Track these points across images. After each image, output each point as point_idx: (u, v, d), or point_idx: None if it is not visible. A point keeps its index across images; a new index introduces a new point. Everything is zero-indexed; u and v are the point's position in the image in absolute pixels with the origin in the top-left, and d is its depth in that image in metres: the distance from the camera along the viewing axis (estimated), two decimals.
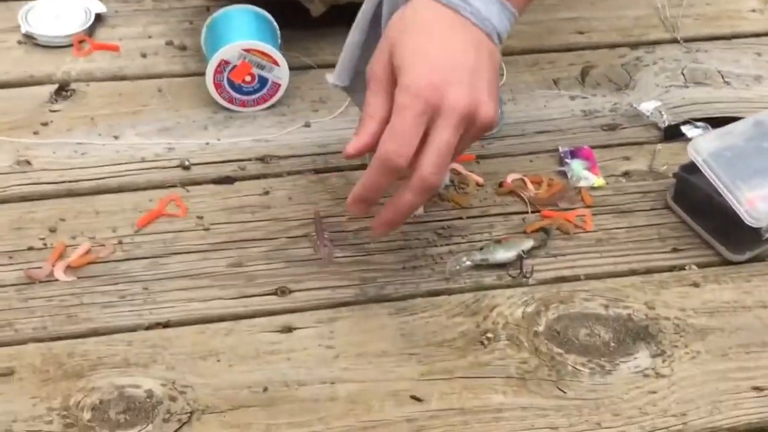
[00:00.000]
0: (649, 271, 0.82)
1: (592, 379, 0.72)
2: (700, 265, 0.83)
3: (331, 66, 0.85)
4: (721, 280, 0.82)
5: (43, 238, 0.81)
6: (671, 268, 0.83)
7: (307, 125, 0.95)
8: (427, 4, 0.72)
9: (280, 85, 0.96)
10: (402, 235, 0.84)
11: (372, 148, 0.71)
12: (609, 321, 0.77)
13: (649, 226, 0.87)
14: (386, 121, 0.70)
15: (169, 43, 1.05)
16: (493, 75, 0.73)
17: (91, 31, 1.05)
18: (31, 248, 0.80)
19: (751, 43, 1.11)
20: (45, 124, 0.93)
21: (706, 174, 0.83)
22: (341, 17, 1.03)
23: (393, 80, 0.71)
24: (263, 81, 0.95)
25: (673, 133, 0.96)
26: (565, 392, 0.71)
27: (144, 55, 1.03)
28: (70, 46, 1.03)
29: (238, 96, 0.95)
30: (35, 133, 0.92)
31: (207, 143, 0.92)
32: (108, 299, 0.76)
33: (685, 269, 0.83)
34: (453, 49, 0.71)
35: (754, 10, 1.16)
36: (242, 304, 0.77)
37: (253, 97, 0.96)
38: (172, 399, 0.68)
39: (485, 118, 0.71)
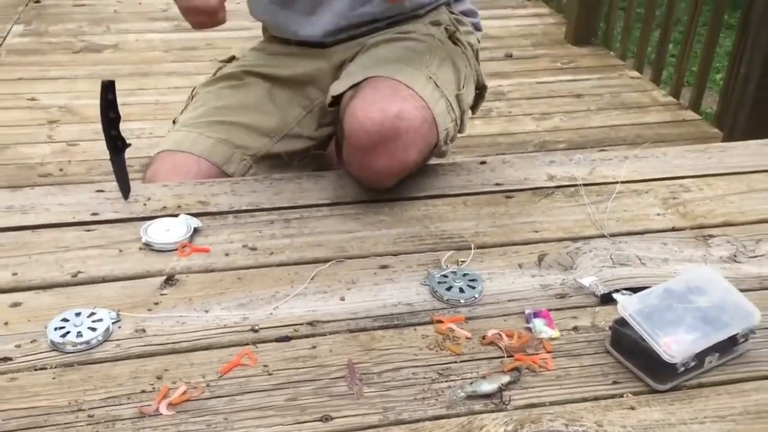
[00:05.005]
0: (596, 399, 0.82)
1: None
2: (635, 393, 0.83)
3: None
4: (651, 404, 0.81)
5: (152, 384, 0.83)
6: (613, 396, 0.83)
7: (342, 299, 0.98)
8: None
9: None
10: (413, 375, 0.85)
11: None
12: None
13: (595, 366, 0.87)
14: None
15: (245, 246, 1.08)
16: None
17: (190, 239, 1.09)
18: (143, 391, 0.82)
19: (658, 237, 1.13)
20: (156, 304, 0.96)
21: (633, 325, 0.84)
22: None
23: None
24: None
25: (607, 299, 0.98)
26: None
27: (227, 254, 1.07)
28: (176, 250, 1.06)
29: None
30: (149, 310, 0.95)
31: (271, 314, 0.95)
32: (198, 427, 0.77)
33: (623, 396, 0.83)
34: None
35: (658, 214, 1.19)
36: (296, 429, 0.77)
37: None
38: None
39: None
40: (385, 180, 1.14)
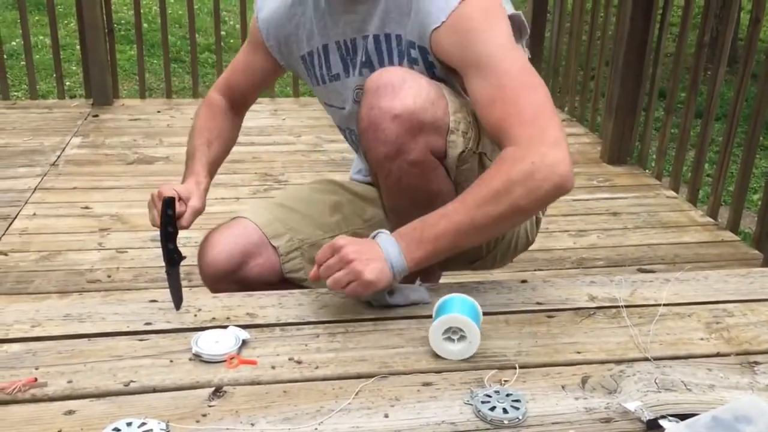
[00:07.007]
0: None
1: None
2: None
3: None
4: None
5: None
6: None
7: (386, 416, 0.99)
8: None
9: None
10: None
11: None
12: None
13: None
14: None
15: (291, 359, 1.11)
16: None
17: (238, 351, 1.11)
18: None
19: (702, 362, 1.13)
20: (204, 415, 0.98)
21: None
22: None
23: None
24: None
25: (653, 425, 0.97)
26: None
27: (273, 367, 1.09)
28: (224, 361, 1.09)
29: None
30: (197, 421, 0.96)
31: (316, 429, 0.96)
32: None
33: None
34: None
35: (702, 338, 1.19)
36: None
37: None
38: None
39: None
40: (387, 119, 1.18)
